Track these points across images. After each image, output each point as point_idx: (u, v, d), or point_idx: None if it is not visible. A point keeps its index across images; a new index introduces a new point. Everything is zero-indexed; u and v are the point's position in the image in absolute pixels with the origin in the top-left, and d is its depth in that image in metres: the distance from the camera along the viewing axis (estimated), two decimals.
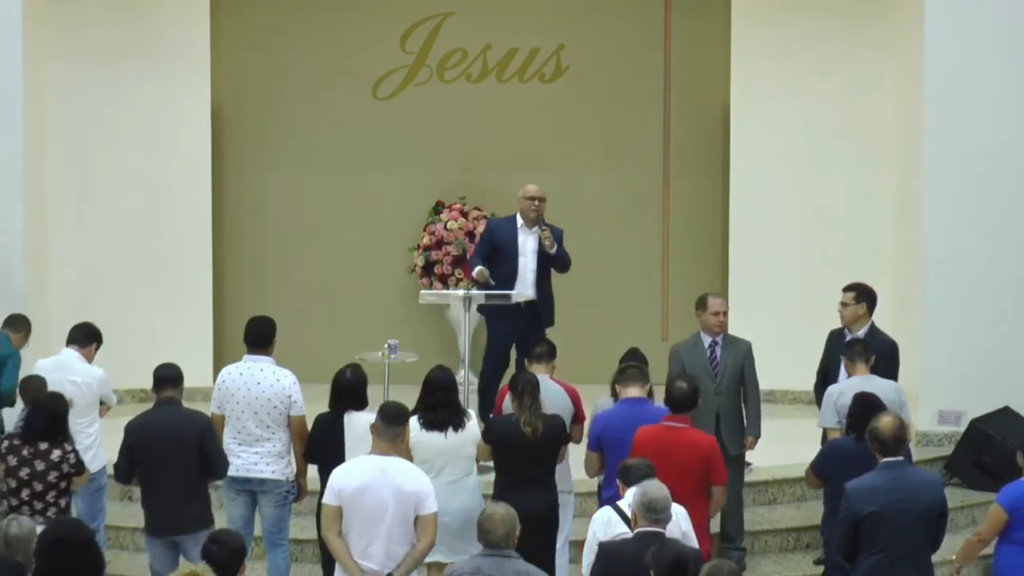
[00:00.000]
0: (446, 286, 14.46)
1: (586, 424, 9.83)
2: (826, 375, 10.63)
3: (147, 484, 9.12)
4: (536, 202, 11.80)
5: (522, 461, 9.08)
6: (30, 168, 13.04)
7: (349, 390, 9.27)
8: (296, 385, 9.57)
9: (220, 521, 9.42)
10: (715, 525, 10.05)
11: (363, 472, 7.88)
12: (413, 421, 9.01)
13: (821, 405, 10.17)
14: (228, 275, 14.92)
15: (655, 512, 7.43)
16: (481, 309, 12.10)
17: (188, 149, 14.28)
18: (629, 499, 7.80)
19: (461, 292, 11.79)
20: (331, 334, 14.56)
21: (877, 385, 9.65)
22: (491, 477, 9.36)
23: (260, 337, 9.68)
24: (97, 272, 14.00)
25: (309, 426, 9.48)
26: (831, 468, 9.15)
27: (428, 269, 14.70)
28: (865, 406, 8.97)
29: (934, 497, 8.13)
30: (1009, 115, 12.42)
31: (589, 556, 7.77)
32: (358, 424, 9.04)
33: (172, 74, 14.16)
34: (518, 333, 11.67)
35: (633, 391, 9.29)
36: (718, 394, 10.26)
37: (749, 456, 10.83)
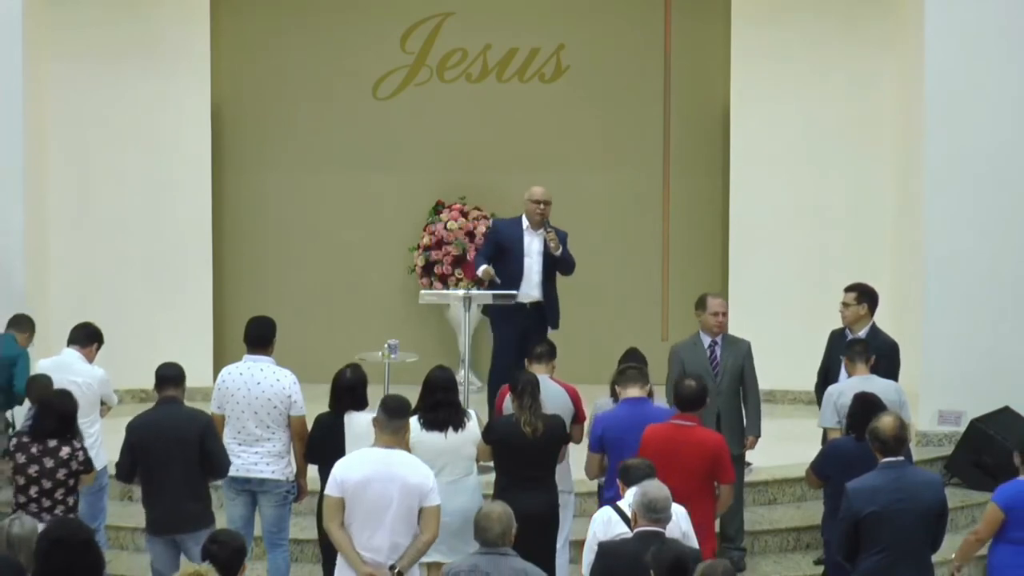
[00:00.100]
0: (446, 286, 14.46)
1: (586, 425, 9.83)
2: (827, 375, 10.63)
3: (148, 483, 9.12)
4: (541, 205, 11.78)
5: (522, 461, 9.07)
6: (30, 168, 13.05)
7: (349, 390, 9.27)
8: (296, 385, 9.57)
9: (220, 521, 9.43)
10: (715, 525, 10.04)
11: (367, 464, 7.90)
12: (413, 421, 9.02)
13: (821, 405, 10.17)
14: (228, 275, 14.93)
15: (655, 512, 7.43)
16: (486, 310, 12.10)
17: (188, 149, 14.29)
18: (629, 499, 7.80)
19: (461, 292, 11.79)
20: (331, 334, 14.57)
21: (877, 385, 9.65)
22: (491, 477, 9.36)
23: (260, 337, 9.68)
24: (97, 272, 14.01)
25: (309, 426, 9.48)
26: (831, 468, 9.15)
27: (428, 269, 14.71)
28: (865, 406, 8.97)
29: (934, 497, 8.14)
30: (1009, 115, 12.42)
31: (589, 556, 7.77)
32: (358, 424, 9.05)
33: (172, 74, 14.16)
34: (523, 334, 11.64)
35: (633, 391, 9.29)
36: (718, 394, 10.26)
37: (749, 456, 10.83)
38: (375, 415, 8.12)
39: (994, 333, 12.46)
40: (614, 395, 9.55)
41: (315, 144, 15.01)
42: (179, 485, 9.01)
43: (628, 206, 14.94)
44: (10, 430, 11.04)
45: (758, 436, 10.53)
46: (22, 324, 11.31)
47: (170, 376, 9.25)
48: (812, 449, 9.93)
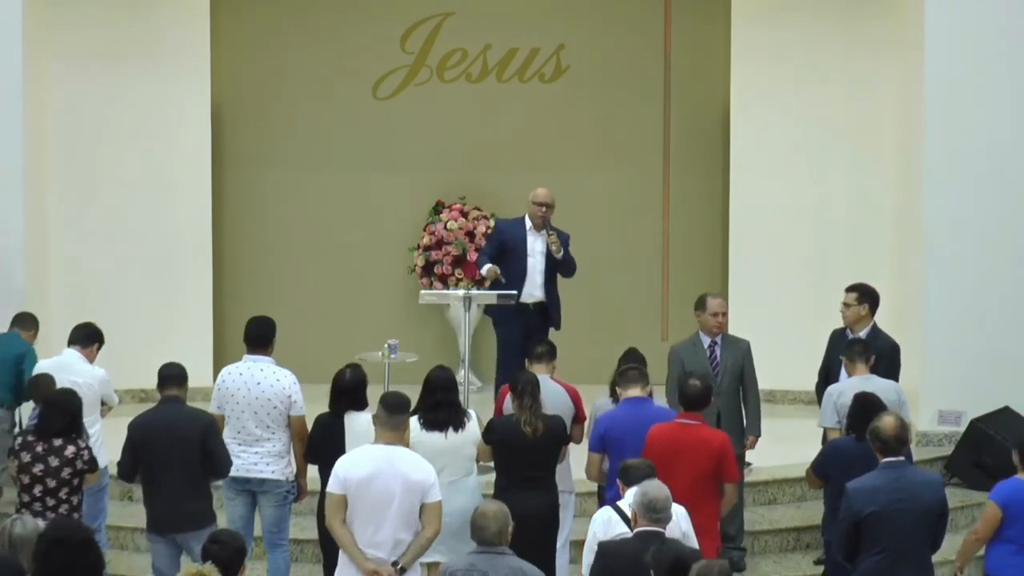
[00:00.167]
0: (446, 286, 14.46)
1: (586, 425, 9.83)
2: (828, 375, 10.63)
3: (149, 482, 9.14)
4: (544, 208, 11.77)
5: (522, 461, 9.08)
6: (30, 168, 13.04)
7: (349, 390, 9.27)
8: (296, 385, 9.58)
9: (220, 521, 9.43)
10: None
11: (369, 461, 7.91)
12: (413, 421, 9.03)
13: (821, 405, 10.18)
14: (228, 275, 14.92)
15: (655, 512, 7.43)
16: (488, 310, 12.09)
17: (188, 149, 14.28)
18: (629, 499, 7.80)
19: (461, 292, 11.79)
20: (331, 334, 14.56)
21: (877, 385, 9.65)
22: (491, 477, 9.36)
23: (260, 337, 9.69)
24: (97, 272, 14.00)
25: (309, 426, 9.48)
26: (832, 468, 9.15)
27: (428, 269, 14.70)
28: (865, 406, 8.98)
29: (934, 497, 8.14)
30: (1009, 115, 12.43)
31: (589, 556, 7.77)
32: (358, 424, 9.06)
33: (172, 74, 14.16)
34: (527, 334, 11.63)
35: (635, 392, 9.29)
36: (719, 394, 10.25)
37: (749, 456, 10.83)
38: (375, 412, 8.13)
39: (994, 333, 12.46)
40: (614, 395, 9.56)
41: (315, 144, 15.01)
42: (181, 484, 9.01)
43: (628, 206, 14.93)
44: (15, 429, 11.06)
45: (758, 436, 10.54)
46: (26, 322, 11.35)
47: (173, 376, 9.26)
48: (812, 449, 9.93)
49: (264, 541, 9.77)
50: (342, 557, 8.02)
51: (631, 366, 9.55)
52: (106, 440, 10.20)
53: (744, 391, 10.48)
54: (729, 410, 10.36)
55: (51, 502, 8.85)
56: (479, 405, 11.49)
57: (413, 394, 9.20)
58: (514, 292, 11.51)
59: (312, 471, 9.45)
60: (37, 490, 8.86)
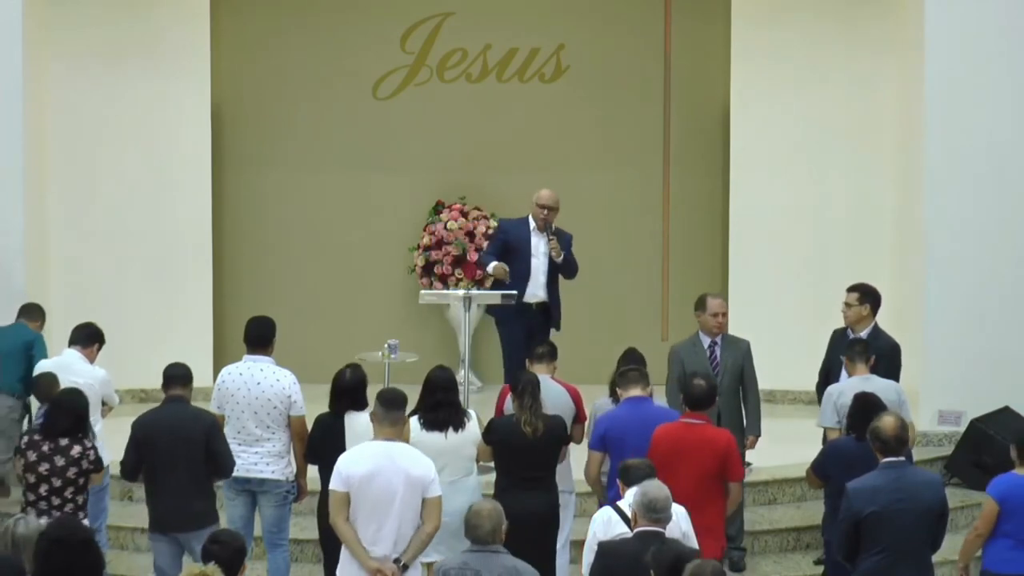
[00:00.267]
0: (446, 286, 14.46)
1: (587, 425, 9.83)
2: (828, 375, 10.63)
3: (152, 481, 9.14)
4: (546, 211, 11.77)
5: (523, 461, 9.08)
6: (30, 168, 13.04)
7: (349, 390, 9.27)
8: (296, 385, 9.58)
9: (222, 521, 9.42)
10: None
11: (371, 458, 7.93)
12: (413, 421, 9.03)
13: (821, 405, 10.18)
14: (228, 275, 14.92)
15: (655, 512, 7.43)
16: (491, 310, 12.08)
17: (188, 149, 14.28)
18: (629, 499, 7.80)
19: (461, 292, 11.79)
20: (331, 334, 14.56)
21: (877, 385, 9.65)
22: (491, 477, 9.36)
23: (260, 337, 9.69)
24: (97, 272, 14.00)
25: (309, 426, 9.48)
26: (832, 468, 9.15)
27: (428, 269, 14.70)
28: (865, 406, 8.98)
29: (934, 497, 8.14)
30: (1009, 115, 12.43)
31: (589, 556, 7.78)
32: (358, 424, 9.05)
33: (172, 74, 14.15)
34: (529, 334, 11.62)
35: (635, 392, 9.29)
36: (719, 394, 10.24)
37: (749, 456, 10.83)
38: (371, 410, 8.13)
39: (994, 333, 12.46)
40: (614, 395, 9.56)
41: (315, 144, 15.01)
42: (183, 484, 9.02)
43: (628, 206, 14.93)
44: (26, 419, 11.06)
45: (758, 436, 10.55)
46: (33, 313, 11.39)
47: (177, 376, 9.27)
48: (812, 449, 9.93)
49: (264, 541, 9.78)
50: (344, 554, 8.03)
51: (631, 367, 9.55)
52: (107, 440, 10.20)
53: (744, 391, 10.48)
54: (729, 410, 10.36)
55: (56, 501, 8.86)
56: (479, 405, 11.48)
57: (413, 394, 9.21)
58: (515, 292, 11.51)
59: (312, 471, 9.45)
60: (43, 489, 8.87)
